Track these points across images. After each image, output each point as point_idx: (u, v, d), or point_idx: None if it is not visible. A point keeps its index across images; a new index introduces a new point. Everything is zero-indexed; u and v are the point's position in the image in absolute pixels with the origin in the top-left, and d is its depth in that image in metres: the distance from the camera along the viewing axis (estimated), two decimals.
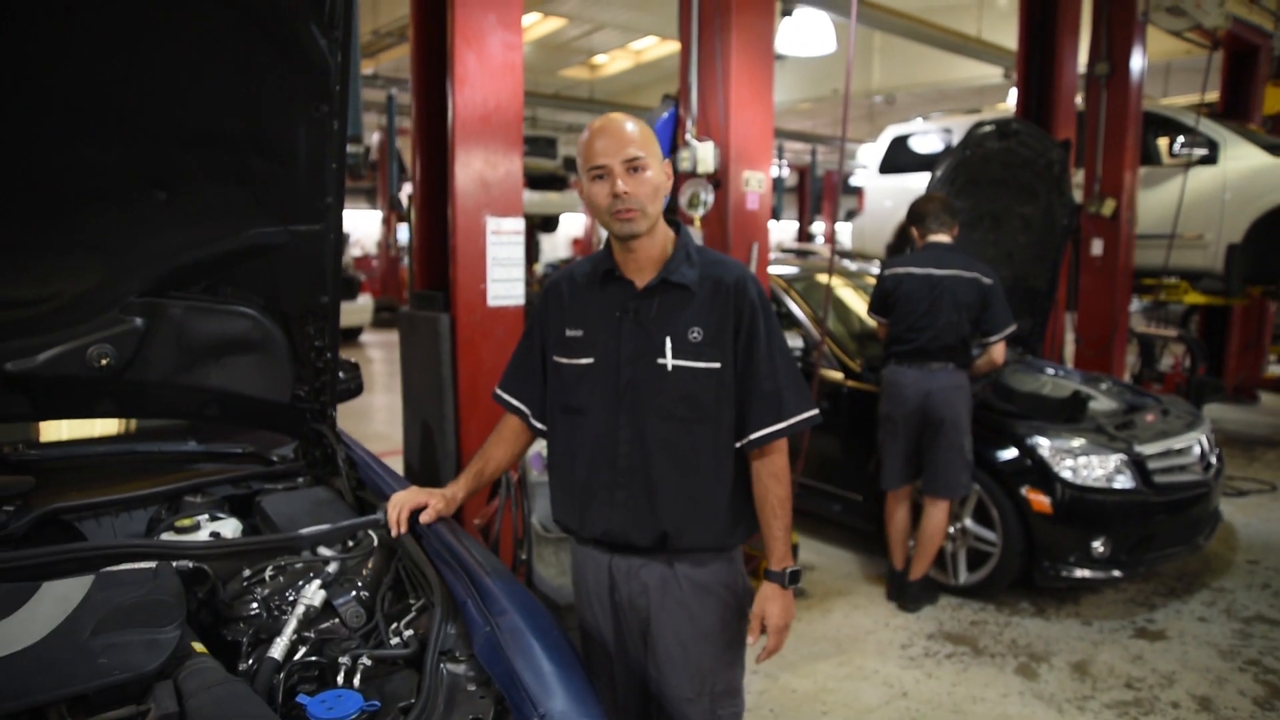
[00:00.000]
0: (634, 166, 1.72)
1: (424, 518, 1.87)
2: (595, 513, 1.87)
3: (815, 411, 1.87)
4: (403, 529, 1.83)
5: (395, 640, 1.58)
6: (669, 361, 1.79)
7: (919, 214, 4.10)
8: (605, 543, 1.90)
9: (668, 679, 1.89)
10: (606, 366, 1.83)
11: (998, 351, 3.98)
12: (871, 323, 4.41)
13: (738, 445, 1.85)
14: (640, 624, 1.91)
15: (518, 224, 3.69)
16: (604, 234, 1.87)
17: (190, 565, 1.65)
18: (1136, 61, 6.68)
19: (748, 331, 1.81)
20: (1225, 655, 3.63)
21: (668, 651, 1.88)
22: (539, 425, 2.00)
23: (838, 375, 4.69)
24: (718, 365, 1.80)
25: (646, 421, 1.81)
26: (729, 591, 1.91)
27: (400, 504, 1.86)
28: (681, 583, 1.86)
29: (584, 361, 1.86)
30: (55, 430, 2.48)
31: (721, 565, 1.90)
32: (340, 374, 2.33)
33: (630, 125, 1.75)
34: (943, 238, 4.05)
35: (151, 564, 1.58)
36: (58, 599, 1.43)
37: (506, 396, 2.03)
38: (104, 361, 1.91)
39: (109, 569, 1.55)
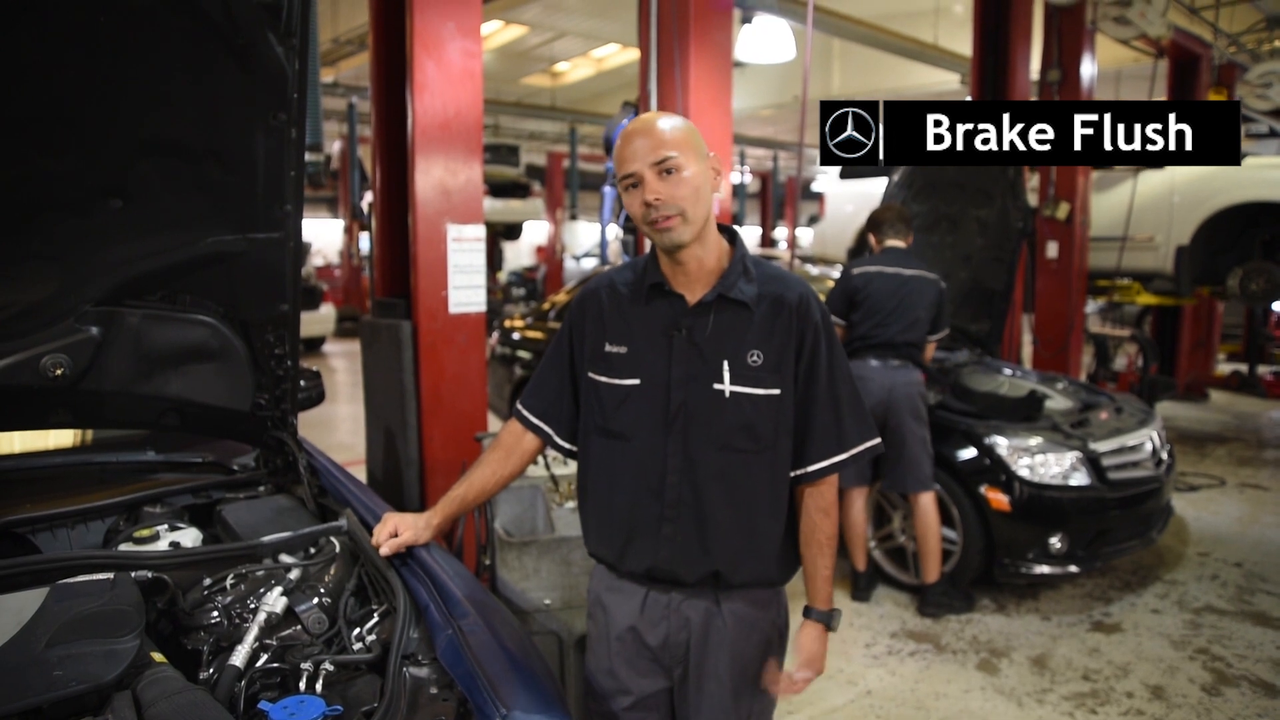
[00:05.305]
0: (666, 168, 1.57)
1: (384, 551, 1.73)
2: (639, 547, 1.71)
3: (877, 440, 1.73)
4: (386, 551, 1.73)
5: (358, 645, 1.58)
6: (726, 388, 1.64)
7: (877, 221, 4.32)
8: (647, 578, 1.74)
9: (704, 718, 1.75)
10: (654, 389, 1.67)
11: (930, 350, 4.22)
12: None
13: (793, 475, 1.71)
14: (671, 663, 1.76)
15: (479, 230, 3.69)
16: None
17: (149, 575, 1.62)
18: (1087, 68, 6.85)
19: (809, 355, 1.67)
20: (1177, 645, 3.72)
21: (706, 690, 1.73)
22: (566, 445, 1.84)
23: None
24: (778, 392, 1.65)
25: (701, 451, 1.65)
26: (774, 630, 1.79)
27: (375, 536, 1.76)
28: (727, 619, 1.72)
29: (629, 382, 1.69)
30: (8, 442, 2.44)
31: (771, 604, 1.78)
32: (301, 382, 2.31)
33: (661, 123, 1.60)
34: (899, 243, 4.22)
35: (109, 574, 1.55)
36: (11, 611, 1.41)
37: (530, 416, 1.84)
38: (59, 371, 1.87)
39: (65, 580, 1.53)
